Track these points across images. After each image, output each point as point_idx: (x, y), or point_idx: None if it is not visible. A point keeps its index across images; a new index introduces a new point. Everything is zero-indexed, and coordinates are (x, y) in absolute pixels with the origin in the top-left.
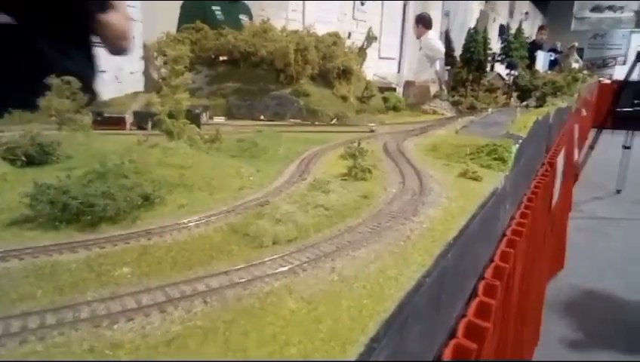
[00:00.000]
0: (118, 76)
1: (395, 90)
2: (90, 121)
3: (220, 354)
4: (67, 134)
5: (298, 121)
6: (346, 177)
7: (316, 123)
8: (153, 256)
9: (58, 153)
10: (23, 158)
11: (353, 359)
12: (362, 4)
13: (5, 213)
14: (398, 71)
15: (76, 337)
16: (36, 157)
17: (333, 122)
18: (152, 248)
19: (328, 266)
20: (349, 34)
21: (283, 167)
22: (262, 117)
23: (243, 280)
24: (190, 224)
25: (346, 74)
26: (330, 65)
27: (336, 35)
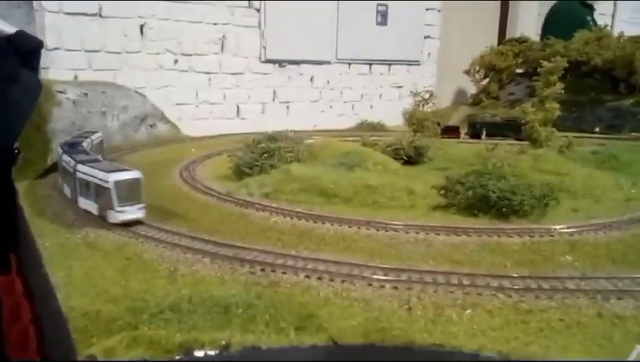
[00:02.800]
0: (412, 90)
1: None
2: (439, 129)
3: None
4: (426, 140)
5: None
6: None
7: None
8: (583, 250)
9: (428, 155)
10: (404, 158)
11: None
12: None
13: (427, 199)
14: None
15: (582, 303)
16: (412, 157)
17: None
18: (578, 243)
19: None
20: None
21: None
22: (596, 129)
23: None
24: (599, 227)
25: None
26: None
27: None
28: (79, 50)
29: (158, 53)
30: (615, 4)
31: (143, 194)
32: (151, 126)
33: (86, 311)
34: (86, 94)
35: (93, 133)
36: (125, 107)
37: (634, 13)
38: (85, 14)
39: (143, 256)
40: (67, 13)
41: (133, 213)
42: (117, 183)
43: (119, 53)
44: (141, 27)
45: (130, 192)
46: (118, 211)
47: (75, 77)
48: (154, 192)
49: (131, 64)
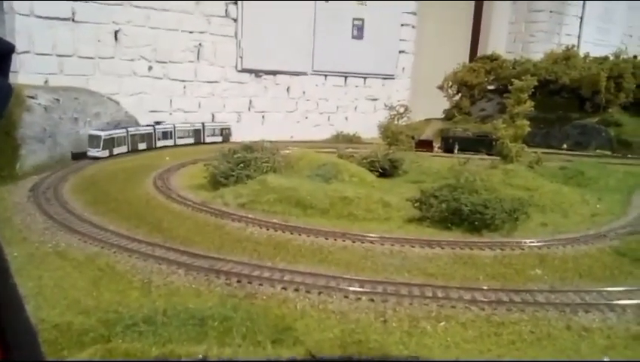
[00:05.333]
0: (386, 103)
1: None
2: (413, 143)
3: None
4: (400, 153)
5: (606, 152)
6: None
7: (629, 155)
8: (552, 264)
9: (403, 168)
10: (380, 170)
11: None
12: None
13: (402, 211)
14: None
15: (552, 316)
16: (387, 170)
17: None
18: (547, 257)
19: None
20: (635, 57)
21: (623, 197)
22: (564, 146)
23: None
24: (567, 241)
25: None
26: None
27: None
28: (50, 55)
29: (132, 60)
30: (581, 26)
31: (102, 144)
32: None
33: (56, 322)
34: (58, 100)
35: (223, 123)
36: (98, 113)
37: (599, 34)
38: (58, 18)
39: (115, 266)
40: (39, 17)
41: (95, 153)
42: (89, 136)
43: (92, 58)
44: (115, 33)
45: (95, 142)
46: (88, 150)
47: (46, 81)
48: (126, 201)
49: (104, 70)
